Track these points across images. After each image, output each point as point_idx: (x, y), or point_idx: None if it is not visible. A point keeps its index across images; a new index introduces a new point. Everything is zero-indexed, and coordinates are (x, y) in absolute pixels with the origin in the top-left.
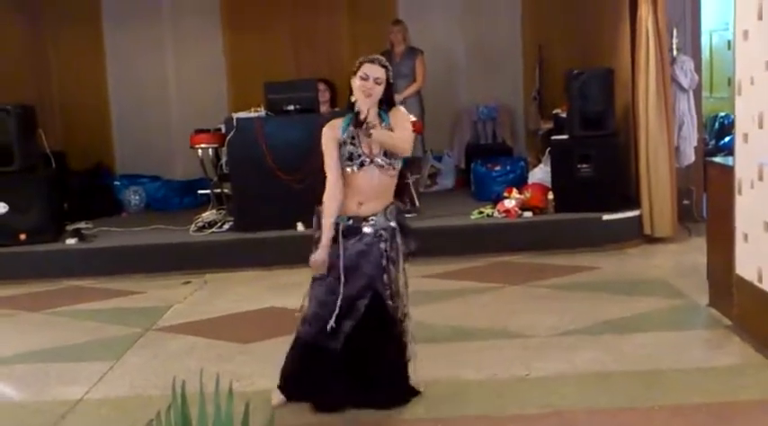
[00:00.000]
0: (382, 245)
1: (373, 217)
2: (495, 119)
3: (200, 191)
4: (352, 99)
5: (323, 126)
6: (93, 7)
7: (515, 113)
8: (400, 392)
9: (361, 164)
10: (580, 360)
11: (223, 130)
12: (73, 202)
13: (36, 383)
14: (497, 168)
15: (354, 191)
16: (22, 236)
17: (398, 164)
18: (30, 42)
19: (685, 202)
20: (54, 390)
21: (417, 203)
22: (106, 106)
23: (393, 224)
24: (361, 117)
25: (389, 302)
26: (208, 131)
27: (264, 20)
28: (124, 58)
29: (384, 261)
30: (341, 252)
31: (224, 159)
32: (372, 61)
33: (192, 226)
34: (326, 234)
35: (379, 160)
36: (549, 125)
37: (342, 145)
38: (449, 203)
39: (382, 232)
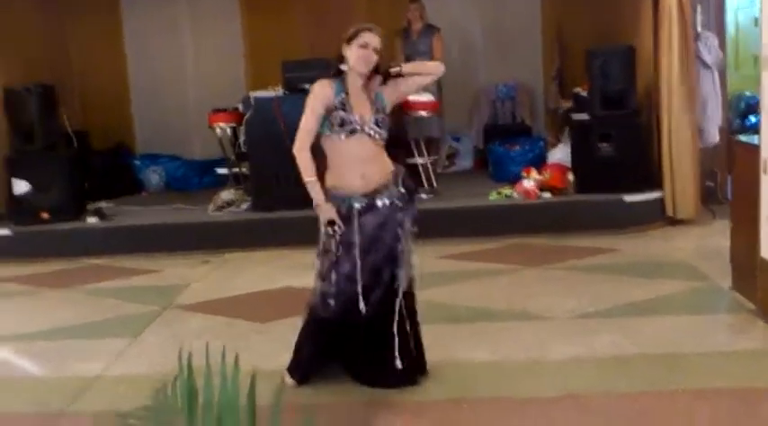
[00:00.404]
0: (399, 215)
1: (385, 189)
2: (514, 98)
3: (218, 170)
4: (343, 67)
5: None
6: None
7: (534, 92)
8: (416, 367)
9: (353, 131)
10: (599, 344)
11: (241, 109)
12: (94, 181)
13: (55, 359)
14: (516, 148)
15: (350, 162)
16: (44, 215)
17: (385, 135)
18: (50, 25)
19: (709, 184)
20: (73, 366)
21: (435, 184)
22: (126, 87)
23: (403, 190)
24: (392, 71)
25: (406, 271)
26: (225, 110)
27: (282, 2)
28: (142, 40)
29: (400, 231)
30: (356, 230)
31: (242, 138)
32: (371, 29)
33: (211, 205)
34: (316, 191)
35: (367, 128)
36: (568, 104)
37: (333, 109)
38: (467, 184)
39: (396, 201)
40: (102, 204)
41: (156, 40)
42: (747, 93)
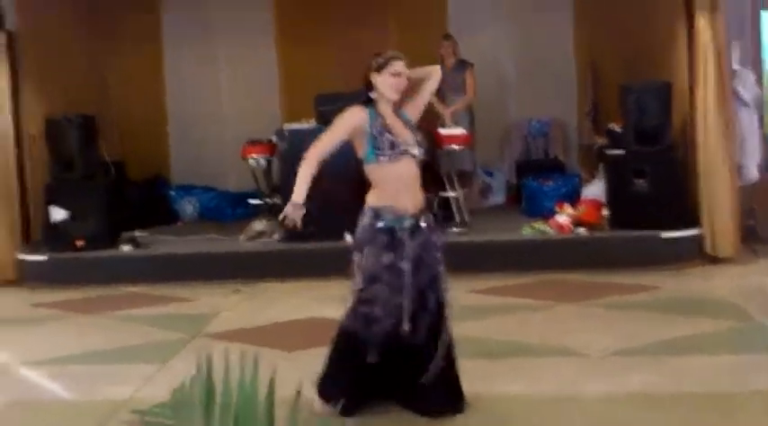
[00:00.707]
0: (434, 238)
1: (423, 212)
2: (547, 134)
3: (251, 201)
4: (373, 95)
5: None
6: (154, 27)
7: (568, 128)
8: (454, 396)
9: (402, 153)
10: (634, 382)
11: (275, 141)
12: (130, 211)
13: (86, 382)
14: (549, 183)
15: (402, 184)
16: (79, 242)
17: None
18: (93, 58)
19: (749, 222)
20: (103, 390)
21: (467, 218)
22: (163, 119)
23: (433, 215)
24: None
25: (445, 295)
26: (260, 142)
27: (315, 35)
28: (181, 74)
29: (438, 254)
30: (407, 251)
31: (275, 170)
32: (400, 57)
33: (243, 236)
34: (303, 183)
35: (412, 149)
36: (603, 140)
37: (375, 136)
38: (499, 219)
39: (432, 224)
40: (137, 233)
41: (195, 74)
42: None
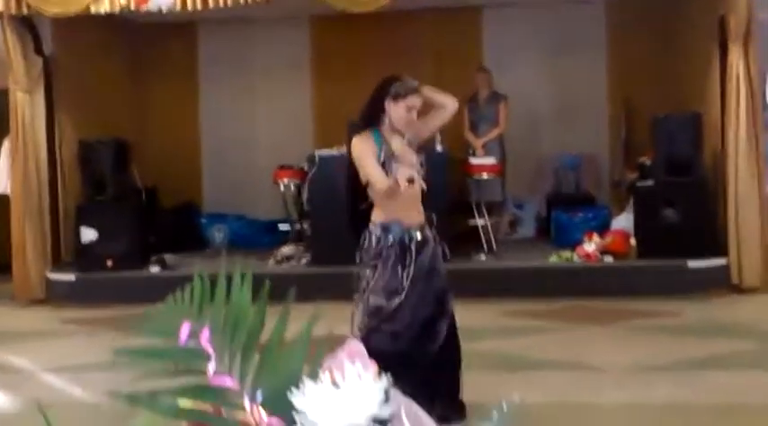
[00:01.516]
0: (438, 249)
1: (426, 225)
2: (579, 167)
3: (281, 227)
4: (386, 122)
5: None
6: (192, 60)
7: (599, 163)
8: (458, 404)
9: (410, 180)
10: (656, 393)
11: (306, 168)
12: (160, 237)
13: (107, 387)
14: (579, 215)
15: (407, 205)
16: (109, 263)
17: None
18: (130, 86)
19: None
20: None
21: (495, 247)
22: (197, 149)
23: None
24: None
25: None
26: (291, 168)
27: (352, 69)
28: (217, 105)
29: (442, 264)
30: (423, 261)
31: (305, 196)
32: (417, 91)
33: (271, 260)
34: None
35: (417, 172)
36: (634, 175)
37: (384, 162)
38: (527, 249)
39: (436, 236)
40: (166, 256)
41: (230, 105)
42: None
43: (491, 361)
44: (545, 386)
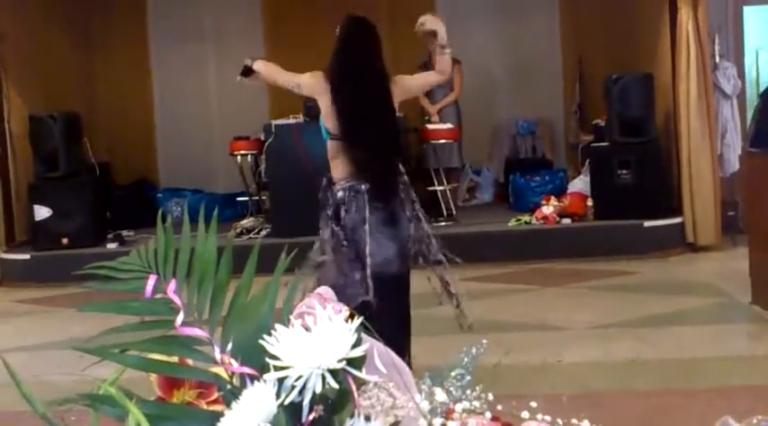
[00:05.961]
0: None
1: None
2: (535, 132)
3: (240, 199)
4: None
5: None
6: (141, 28)
7: (555, 127)
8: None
9: None
10: (616, 349)
11: (262, 138)
12: (116, 214)
13: (68, 365)
14: (536, 179)
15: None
16: (64, 240)
17: None
18: (79, 58)
19: (730, 213)
20: (86, 371)
21: (454, 211)
22: (151, 121)
23: None
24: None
25: None
26: (247, 138)
27: (304, 35)
28: (168, 76)
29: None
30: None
31: (263, 166)
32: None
33: (231, 232)
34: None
35: None
36: (589, 138)
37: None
38: (486, 214)
39: None
40: (123, 232)
41: (182, 76)
42: None
43: (453, 325)
44: (508, 347)
